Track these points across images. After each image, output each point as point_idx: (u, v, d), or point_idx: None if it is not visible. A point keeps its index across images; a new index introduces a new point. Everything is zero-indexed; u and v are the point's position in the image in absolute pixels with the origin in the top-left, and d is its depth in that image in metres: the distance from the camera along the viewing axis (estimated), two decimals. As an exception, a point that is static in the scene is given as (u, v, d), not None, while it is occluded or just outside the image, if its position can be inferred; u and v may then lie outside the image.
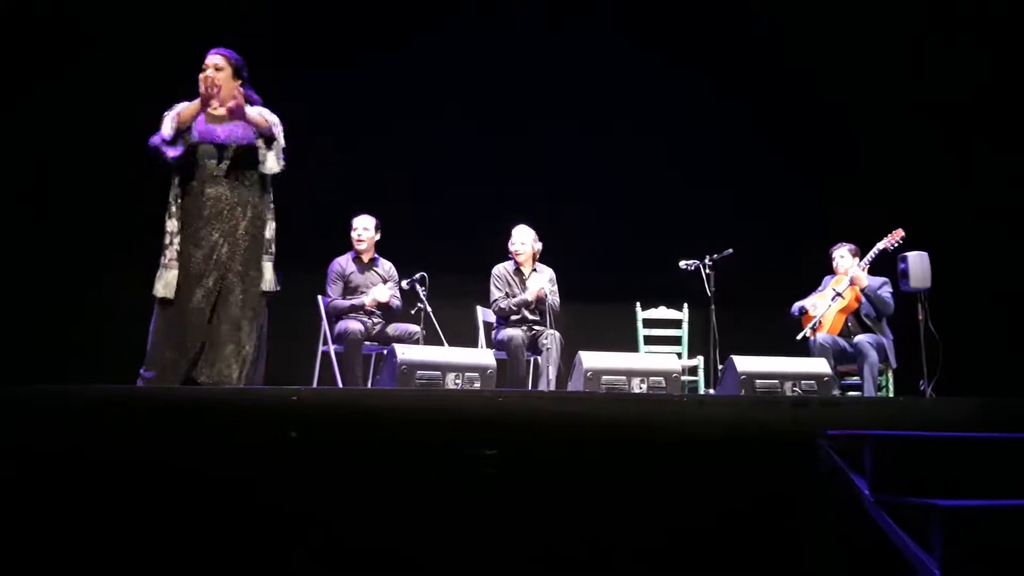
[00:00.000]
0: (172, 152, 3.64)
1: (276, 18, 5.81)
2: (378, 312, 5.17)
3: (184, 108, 3.70)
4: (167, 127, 3.64)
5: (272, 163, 3.74)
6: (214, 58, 3.75)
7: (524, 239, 5.47)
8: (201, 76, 3.70)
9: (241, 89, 3.76)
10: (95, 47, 5.45)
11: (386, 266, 5.39)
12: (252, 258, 3.74)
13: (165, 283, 3.61)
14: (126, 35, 5.49)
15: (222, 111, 3.72)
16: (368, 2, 6.15)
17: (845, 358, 5.21)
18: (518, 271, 5.49)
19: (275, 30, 5.75)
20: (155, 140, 3.65)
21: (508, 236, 5.52)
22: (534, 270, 5.48)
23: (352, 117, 6.16)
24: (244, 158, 3.75)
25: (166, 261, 3.64)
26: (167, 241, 3.66)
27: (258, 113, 3.75)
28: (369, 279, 5.26)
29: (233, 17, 5.53)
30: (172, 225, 3.67)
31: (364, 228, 5.29)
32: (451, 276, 5.64)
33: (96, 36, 5.47)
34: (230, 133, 3.74)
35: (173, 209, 3.68)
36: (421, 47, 6.22)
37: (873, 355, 5.07)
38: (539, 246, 5.50)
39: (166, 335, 3.62)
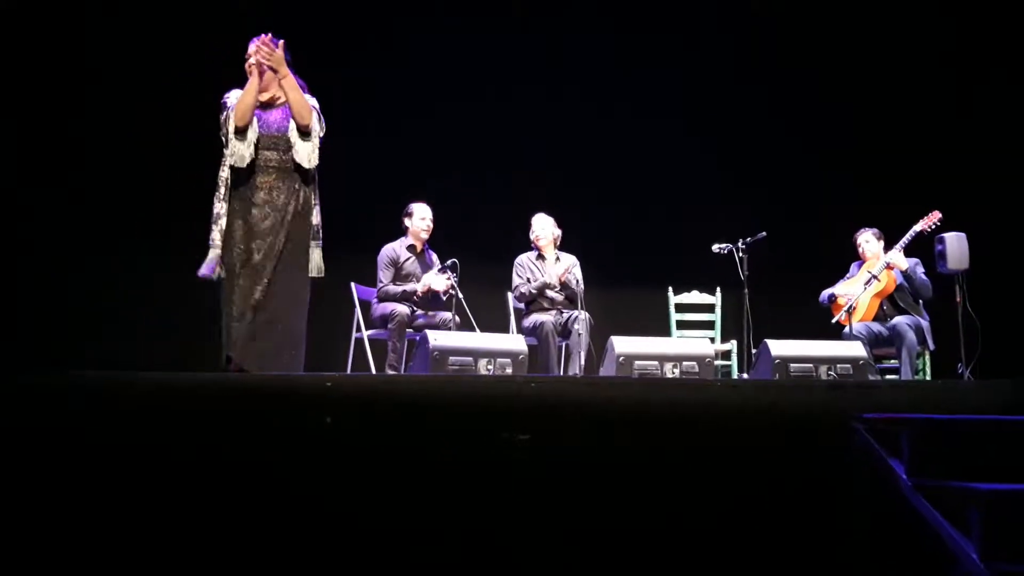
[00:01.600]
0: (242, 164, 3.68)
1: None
2: (423, 300, 5.17)
3: (239, 100, 3.70)
4: (230, 130, 3.67)
5: (305, 155, 3.74)
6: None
7: (544, 226, 5.53)
8: (253, 48, 3.70)
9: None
10: (121, 39, 5.50)
11: (434, 257, 5.40)
12: (300, 246, 3.77)
13: (214, 263, 3.64)
14: (160, 26, 5.54)
15: (277, 96, 3.76)
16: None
17: (881, 342, 5.15)
18: (540, 257, 5.52)
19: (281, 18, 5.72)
20: (226, 170, 3.70)
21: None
22: (557, 258, 5.50)
23: (378, 104, 6.17)
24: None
25: (215, 243, 3.66)
26: (216, 221, 3.67)
27: (303, 101, 3.74)
28: (422, 268, 5.28)
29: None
30: (220, 207, 3.68)
31: (431, 218, 5.30)
32: (482, 262, 5.63)
33: (116, 31, 5.52)
34: (282, 122, 3.76)
35: (222, 192, 3.69)
36: (424, 42, 6.21)
37: (912, 337, 4.99)
38: (559, 232, 5.55)
39: (235, 319, 3.64)
